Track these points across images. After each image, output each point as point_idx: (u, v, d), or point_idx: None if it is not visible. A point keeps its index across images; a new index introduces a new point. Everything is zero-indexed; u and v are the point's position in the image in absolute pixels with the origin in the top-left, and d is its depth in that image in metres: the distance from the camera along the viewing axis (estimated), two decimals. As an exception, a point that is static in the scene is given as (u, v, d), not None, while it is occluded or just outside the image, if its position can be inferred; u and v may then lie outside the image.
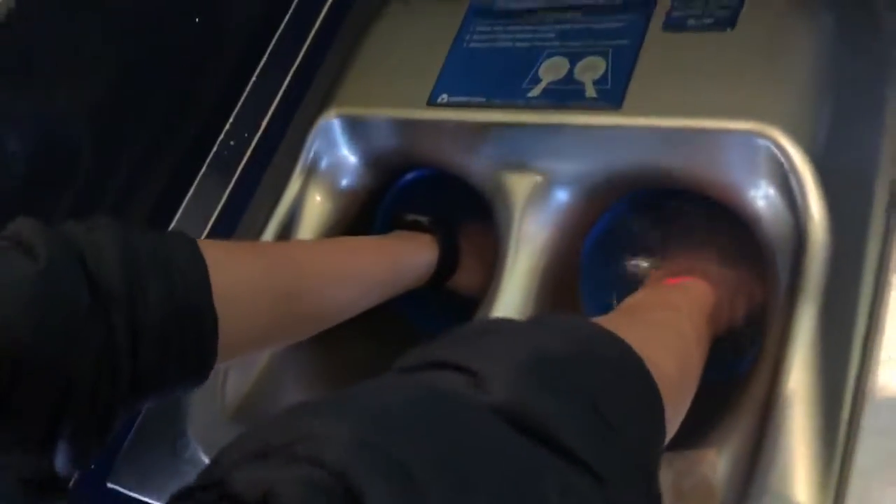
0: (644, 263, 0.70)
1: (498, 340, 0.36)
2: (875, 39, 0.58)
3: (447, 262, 0.72)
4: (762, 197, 0.56)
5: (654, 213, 0.69)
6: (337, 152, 0.74)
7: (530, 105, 0.63)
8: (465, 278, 0.74)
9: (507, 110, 0.64)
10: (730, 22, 0.59)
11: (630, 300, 0.59)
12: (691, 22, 0.61)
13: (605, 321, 0.43)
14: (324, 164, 0.75)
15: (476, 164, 0.68)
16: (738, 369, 0.60)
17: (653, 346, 0.43)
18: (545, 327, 0.39)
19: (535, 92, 0.64)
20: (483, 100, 0.65)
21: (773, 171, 0.54)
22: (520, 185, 0.65)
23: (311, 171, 0.75)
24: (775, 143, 0.53)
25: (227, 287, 0.48)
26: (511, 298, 0.64)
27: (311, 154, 0.74)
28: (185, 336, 0.45)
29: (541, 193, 0.65)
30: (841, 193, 0.53)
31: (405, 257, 0.69)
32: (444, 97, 0.67)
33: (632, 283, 0.69)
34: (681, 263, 0.65)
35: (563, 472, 0.29)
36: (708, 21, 0.60)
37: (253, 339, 0.55)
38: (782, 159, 0.53)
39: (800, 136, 0.53)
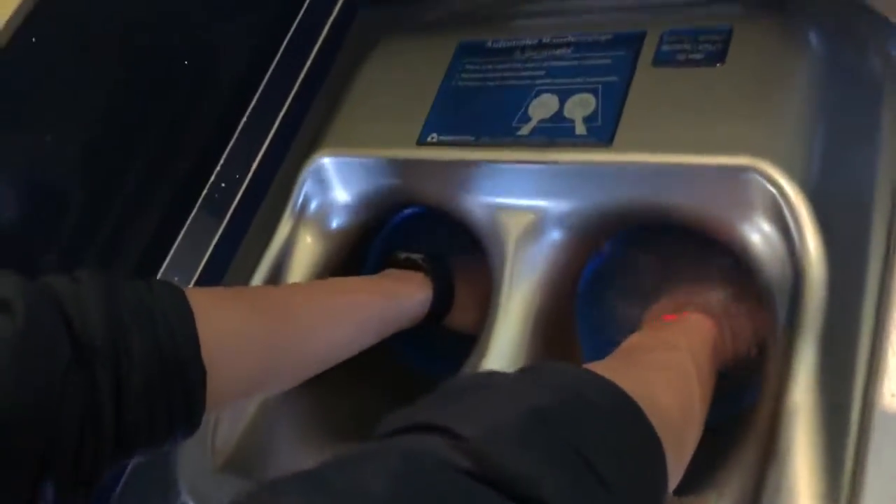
0: (641, 301, 0.68)
1: (484, 398, 0.35)
2: (863, 69, 0.58)
3: (442, 300, 0.71)
4: (756, 232, 0.55)
5: (649, 250, 0.68)
6: (327, 193, 0.73)
7: (520, 143, 0.63)
8: (460, 316, 0.73)
9: (496, 149, 0.63)
10: (719, 57, 0.59)
11: (628, 342, 0.58)
12: (680, 57, 0.60)
13: (602, 366, 0.42)
14: (314, 205, 0.74)
15: (467, 203, 0.67)
16: (737, 410, 0.59)
17: (653, 388, 0.42)
18: (534, 379, 0.38)
19: (525, 130, 0.63)
20: (472, 138, 0.65)
21: (768, 207, 0.54)
22: (512, 224, 0.65)
23: (302, 213, 0.74)
24: (769, 178, 0.53)
25: (215, 337, 0.48)
26: (505, 338, 0.63)
27: (302, 195, 0.74)
28: (172, 390, 0.45)
29: (533, 231, 0.64)
30: (837, 226, 0.52)
31: (399, 296, 0.68)
32: (433, 136, 0.67)
33: (629, 322, 0.68)
34: (678, 298, 0.64)
35: None
36: (697, 56, 0.59)
37: (242, 387, 0.54)
38: (776, 194, 0.53)
39: (793, 170, 0.52)
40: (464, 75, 0.69)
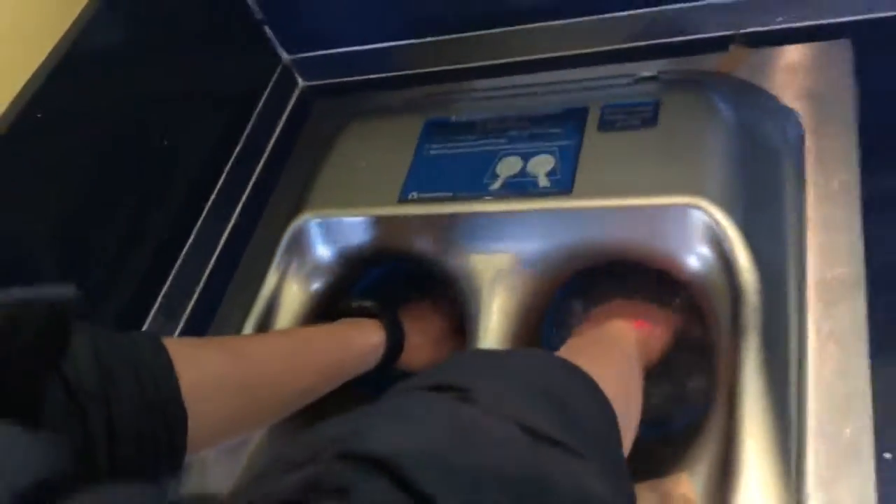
0: (578, 321, 0.79)
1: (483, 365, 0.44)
2: (765, 135, 0.73)
3: (395, 345, 0.76)
4: (697, 258, 0.68)
5: (591, 281, 0.79)
6: (310, 251, 0.81)
7: (493, 196, 0.73)
8: (411, 357, 0.79)
9: (472, 202, 0.74)
10: (652, 122, 0.72)
11: (570, 343, 0.68)
12: (620, 124, 0.74)
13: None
14: (298, 263, 0.81)
15: (446, 252, 0.76)
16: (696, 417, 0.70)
17: (599, 371, 0.51)
18: (525, 356, 0.47)
19: (496, 185, 0.74)
20: (450, 194, 0.75)
21: (708, 237, 0.66)
22: (487, 267, 0.75)
23: (286, 271, 0.81)
24: (707, 213, 0.66)
25: (194, 382, 0.53)
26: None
27: (285, 254, 0.81)
28: (157, 432, 0.49)
29: (506, 272, 0.74)
30: (761, 248, 0.65)
31: (355, 342, 0.73)
32: (413, 194, 0.76)
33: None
34: (602, 313, 0.75)
35: (562, 459, 0.35)
36: (634, 122, 0.73)
37: (219, 430, 0.59)
38: (714, 225, 0.66)
39: (725, 206, 0.66)
40: (434, 146, 0.80)
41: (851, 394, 0.60)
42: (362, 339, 0.74)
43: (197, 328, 0.85)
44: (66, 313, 0.30)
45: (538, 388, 0.40)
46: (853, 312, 0.63)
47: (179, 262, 0.87)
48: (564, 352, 0.58)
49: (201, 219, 0.90)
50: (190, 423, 0.51)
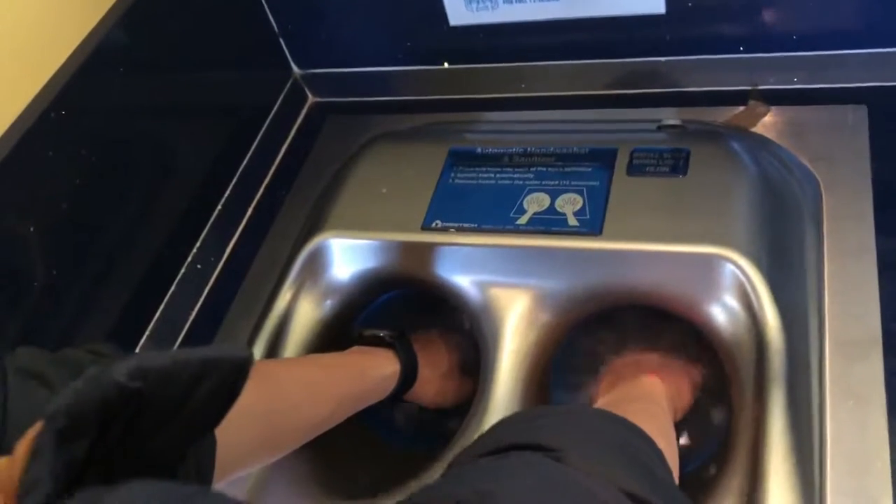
0: (599, 362, 0.80)
1: (559, 423, 0.44)
2: (787, 187, 0.75)
3: (408, 376, 0.76)
4: (722, 308, 0.69)
5: (611, 324, 0.80)
6: (328, 271, 0.80)
7: (520, 231, 0.74)
8: (421, 390, 0.79)
9: (498, 235, 0.74)
10: (682, 170, 0.74)
11: (606, 399, 0.69)
12: (650, 169, 0.75)
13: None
14: (312, 282, 0.80)
15: (465, 283, 0.76)
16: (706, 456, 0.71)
17: (645, 427, 0.52)
18: (591, 414, 0.48)
19: (523, 220, 0.74)
20: (475, 225, 0.75)
21: (735, 289, 0.68)
22: (508, 302, 0.75)
23: (300, 289, 0.80)
24: (737, 265, 0.67)
25: None
26: (501, 399, 0.72)
27: (301, 273, 0.79)
28: (186, 457, 0.49)
29: (527, 309, 0.74)
30: (785, 301, 0.67)
31: (371, 372, 0.73)
32: (437, 223, 0.76)
33: (590, 384, 0.79)
34: (632, 363, 0.76)
35: None
36: (664, 169, 0.74)
37: (243, 457, 0.58)
38: (742, 277, 0.67)
39: (752, 258, 0.67)
40: (459, 174, 0.80)
41: (870, 451, 0.61)
42: (378, 370, 0.73)
43: (196, 345, 0.82)
44: (244, 374, 0.30)
45: (620, 449, 0.40)
46: (871, 371, 0.65)
47: (179, 276, 0.85)
48: (607, 408, 0.59)
49: (204, 232, 0.88)
50: (217, 450, 0.49)
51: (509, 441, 0.40)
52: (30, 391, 0.41)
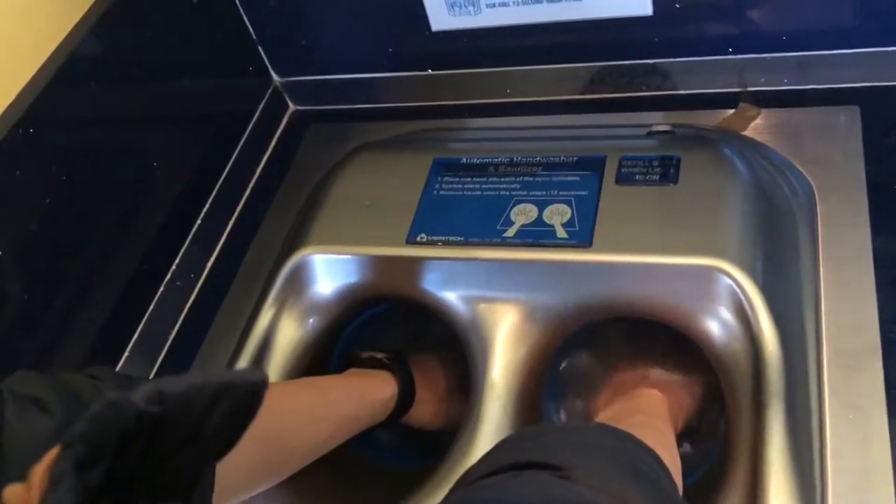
0: (595, 382, 0.78)
1: (564, 441, 0.43)
2: (778, 192, 0.73)
3: (406, 398, 0.75)
4: (717, 320, 0.67)
5: (604, 336, 0.78)
6: (311, 287, 0.77)
7: (507, 244, 0.71)
8: (417, 413, 0.78)
9: (485, 248, 0.72)
10: (673, 179, 0.72)
11: (607, 413, 0.67)
12: (639, 177, 0.73)
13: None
14: (295, 298, 0.77)
15: (452, 298, 0.74)
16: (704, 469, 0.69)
17: (649, 442, 0.51)
18: (596, 431, 0.46)
19: (510, 233, 0.72)
20: (461, 238, 0.73)
21: (730, 300, 0.66)
22: (497, 316, 0.73)
23: (282, 306, 0.77)
24: (730, 276, 0.65)
25: None
26: (491, 416, 0.70)
27: (283, 289, 0.77)
28: None
29: (516, 323, 0.72)
30: (781, 312, 0.65)
31: (370, 395, 0.72)
32: (422, 236, 0.74)
33: (583, 398, 0.77)
34: (632, 376, 0.75)
35: None
36: (654, 178, 0.72)
37: (242, 482, 0.56)
38: (737, 289, 0.65)
39: (749, 270, 0.65)
40: (444, 185, 0.77)
41: (873, 465, 0.60)
42: (376, 393, 0.72)
43: (177, 364, 0.80)
44: (258, 397, 0.31)
45: (626, 465, 0.39)
46: (871, 381, 0.63)
47: (158, 295, 0.82)
48: (609, 422, 0.57)
49: (183, 248, 0.86)
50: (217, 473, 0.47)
51: (514, 460, 0.39)
52: (28, 416, 0.41)
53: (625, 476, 0.38)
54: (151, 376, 0.79)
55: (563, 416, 0.78)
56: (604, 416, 0.67)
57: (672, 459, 0.56)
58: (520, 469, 0.38)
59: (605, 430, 0.46)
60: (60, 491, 0.25)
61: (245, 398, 0.30)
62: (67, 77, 0.72)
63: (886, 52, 0.79)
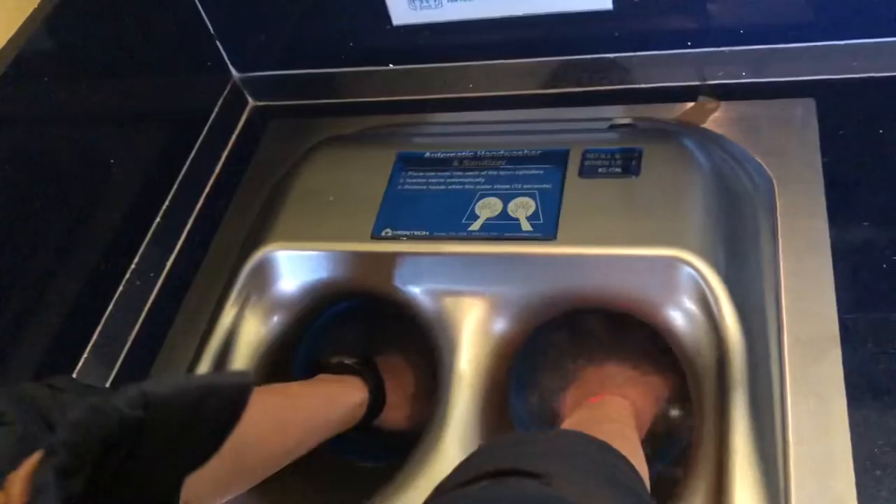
0: (561, 379, 0.78)
1: (548, 449, 0.43)
2: (739, 184, 0.74)
3: (377, 402, 0.75)
4: (680, 311, 0.68)
5: (570, 329, 0.78)
6: (274, 284, 0.76)
7: (472, 237, 0.71)
8: (391, 415, 0.78)
9: (451, 242, 0.71)
10: (635, 171, 0.72)
11: (574, 419, 0.68)
12: (602, 170, 0.73)
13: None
14: (258, 296, 0.76)
15: (418, 293, 0.73)
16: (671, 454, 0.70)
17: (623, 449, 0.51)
18: (570, 439, 0.47)
19: (475, 226, 0.72)
20: (426, 233, 0.72)
21: (693, 290, 0.66)
22: (463, 310, 0.72)
23: (245, 304, 0.76)
24: (692, 266, 0.66)
25: None
26: (458, 411, 0.70)
27: (245, 286, 0.76)
28: None
29: (482, 316, 0.72)
30: (743, 302, 0.66)
31: (339, 400, 0.72)
32: (387, 231, 0.73)
33: (550, 395, 0.77)
34: (596, 382, 0.75)
35: None
36: (616, 170, 0.73)
37: (209, 489, 0.55)
38: (699, 279, 0.66)
39: (709, 259, 0.66)
40: (408, 180, 0.77)
41: (834, 451, 0.61)
42: (346, 398, 0.72)
43: (137, 366, 0.78)
44: (243, 400, 0.30)
45: (605, 473, 0.39)
46: (831, 369, 0.65)
47: (117, 294, 0.80)
48: (579, 429, 0.58)
49: (143, 246, 0.84)
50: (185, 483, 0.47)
51: (494, 467, 0.39)
52: None
53: (604, 484, 0.38)
54: (111, 378, 0.78)
55: (530, 410, 0.78)
56: (573, 422, 0.67)
57: (641, 466, 0.57)
58: (500, 476, 0.37)
59: (584, 439, 0.46)
60: (43, 500, 0.25)
61: (229, 402, 0.29)
62: (19, 73, 0.70)
63: (841, 45, 0.80)
